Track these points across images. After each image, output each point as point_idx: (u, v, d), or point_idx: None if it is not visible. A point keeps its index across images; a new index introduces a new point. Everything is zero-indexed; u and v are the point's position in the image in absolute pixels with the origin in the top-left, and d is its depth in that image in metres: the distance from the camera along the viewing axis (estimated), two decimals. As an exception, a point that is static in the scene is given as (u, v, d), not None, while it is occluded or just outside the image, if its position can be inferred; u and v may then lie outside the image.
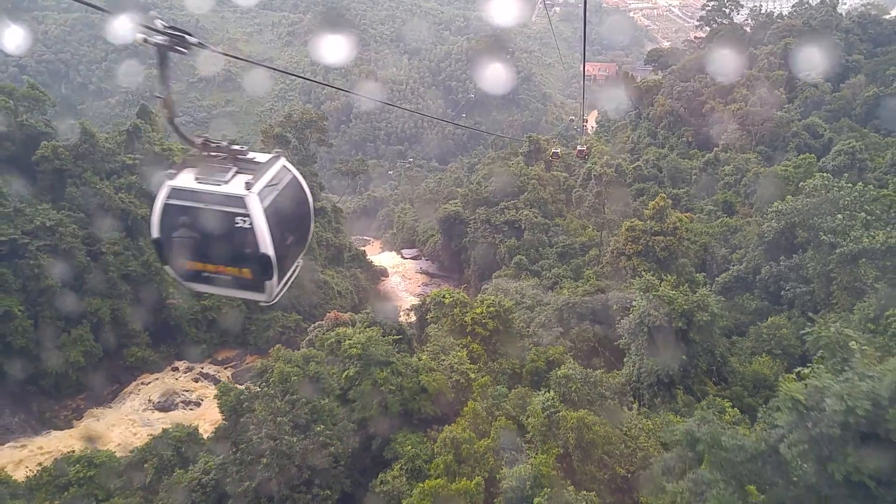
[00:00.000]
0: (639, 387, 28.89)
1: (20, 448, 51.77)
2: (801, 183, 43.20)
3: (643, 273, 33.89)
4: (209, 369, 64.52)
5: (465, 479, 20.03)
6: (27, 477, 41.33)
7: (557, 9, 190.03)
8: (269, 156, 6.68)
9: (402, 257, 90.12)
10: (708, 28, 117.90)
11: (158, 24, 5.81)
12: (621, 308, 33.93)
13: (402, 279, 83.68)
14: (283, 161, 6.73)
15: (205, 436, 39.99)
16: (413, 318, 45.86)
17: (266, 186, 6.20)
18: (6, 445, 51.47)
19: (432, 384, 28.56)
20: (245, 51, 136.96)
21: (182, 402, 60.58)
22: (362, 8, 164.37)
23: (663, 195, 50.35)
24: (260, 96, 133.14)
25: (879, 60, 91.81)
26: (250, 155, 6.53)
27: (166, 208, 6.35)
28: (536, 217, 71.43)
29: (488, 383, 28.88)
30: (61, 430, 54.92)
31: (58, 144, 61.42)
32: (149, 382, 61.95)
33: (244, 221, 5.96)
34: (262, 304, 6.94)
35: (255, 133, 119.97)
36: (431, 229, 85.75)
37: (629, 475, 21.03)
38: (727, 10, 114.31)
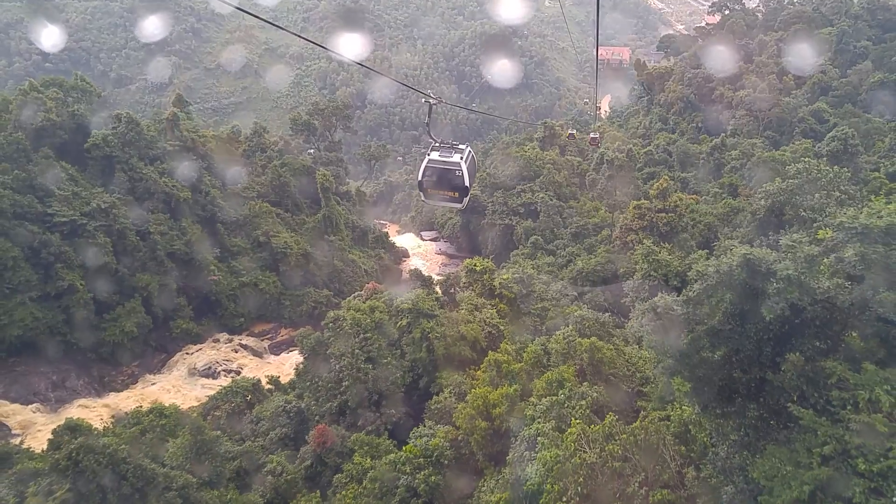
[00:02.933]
0: (642, 335, 36.48)
1: (87, 407, 60.12)
2: (788, 166, 50.38)
3: (644, 241, 41.40)
4: (247, 341, 72.55)
5: (505, 387, 27.84)
6: (103, 427, 49.68)
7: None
8: (465, 145, 14.85)
9: (422, 239, 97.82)
10: (720, 14, 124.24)
11: (431, 94, 13.80)
12: (627, 273, 41.50)
13: (423, 260, 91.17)
14: (469, 147, 14.93)
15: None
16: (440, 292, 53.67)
17: (465, 158, 14.37)
18: (75, 404, 59.87)
19: (470, 332, 36.34)
20: (261, 37, 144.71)
21: (223, 370, 68.48)
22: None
23: (666, 177, 57.61)
24: (275, 83, 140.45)
25: (886, 47, 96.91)
26: (458, 145, 14.69)
27: (426, 168, 14.58)
28: (551, 199, 78.76)
29: (516, 332, 36.64)
30: (120, 392, 63.30)
31: (107, 133, 69.12)
32: (193, 352, 70.10)
33: (459, 173, 14.17)
34: (457, 208, 16.27)
35: (270, 119, 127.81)
36: (450, 212, 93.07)
37: (630, 390, 28.63)
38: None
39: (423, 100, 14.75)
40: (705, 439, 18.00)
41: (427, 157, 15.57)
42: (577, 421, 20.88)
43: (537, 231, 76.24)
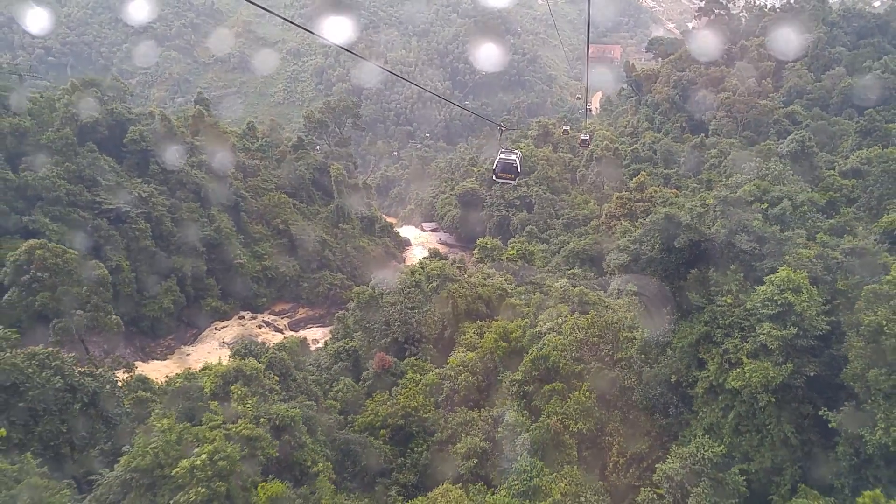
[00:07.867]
0: (620, 294, 50.03)
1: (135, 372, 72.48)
2: (744, 164, 64.29)
3: (623, 223, 55.12)
4: (269, 318, 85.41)
5: (518, 320, 41.18)
6: (159, 385, 62.12)
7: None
8: (517, 150, 28.54)
9: (422, 230, 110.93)
10: (707, 18, 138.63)
11: (502, 124, 27.73)
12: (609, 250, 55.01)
13: (424, 248, 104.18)
14: (520, 151, 28.61)
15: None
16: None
17: (518, 157, 28.03)
18: (123, 369, 72.19)
19: (485, 292, 49.73)
20: (259, 32, 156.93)
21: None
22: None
23: (645, 172, 71.40)
24: (273, 78, 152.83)
25: (858, 53, 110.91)
26: (515, 150, 28.33)
27: (497, 163, 28.21)
28: (545, 193, 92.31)
29: (522, 292, 50.13)
30: (162, 360, 75.80)
31: (143, 129, 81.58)
32: (221, 328, 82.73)
33: (515, 165, 27.94)
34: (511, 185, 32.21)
35: (269, 113, 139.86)
36: (449, 204, 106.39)
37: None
38: (724, 1, 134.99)
39: (497, 128, 27.62)
40: (647, 333, 31.51)
41: (498, 156, 29.13)
42: (571, 317, 34.38)
43: (532, 221, 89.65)
